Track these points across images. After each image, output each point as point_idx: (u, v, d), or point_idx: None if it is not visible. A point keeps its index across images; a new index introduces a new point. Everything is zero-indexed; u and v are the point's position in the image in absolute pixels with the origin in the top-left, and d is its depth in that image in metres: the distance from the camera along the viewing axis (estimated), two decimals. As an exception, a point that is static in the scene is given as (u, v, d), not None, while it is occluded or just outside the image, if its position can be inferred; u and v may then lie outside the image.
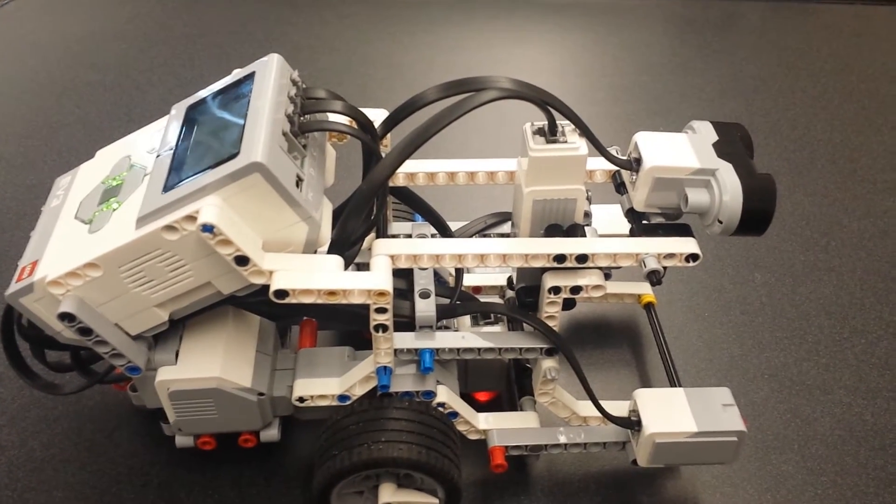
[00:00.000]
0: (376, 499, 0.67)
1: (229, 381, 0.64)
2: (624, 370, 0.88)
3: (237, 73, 0.64)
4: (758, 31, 1.59)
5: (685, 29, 1.60)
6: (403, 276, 0.69)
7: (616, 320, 0.94)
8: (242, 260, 0.55)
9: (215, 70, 1.42)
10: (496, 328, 0.73)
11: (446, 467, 0.65)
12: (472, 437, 0.73)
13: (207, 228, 0.53)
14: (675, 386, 0.75)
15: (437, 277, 0.71)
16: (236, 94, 0.61)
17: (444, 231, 0.76)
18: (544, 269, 0.65)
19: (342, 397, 0.68)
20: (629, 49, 1.52)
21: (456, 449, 0.68)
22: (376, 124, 0.66)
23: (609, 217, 0.76)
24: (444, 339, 0.67)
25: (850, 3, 1.69)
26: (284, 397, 0.69)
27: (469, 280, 0.84)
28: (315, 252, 0.60)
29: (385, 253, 0.61)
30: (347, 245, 0.62)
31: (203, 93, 0.65)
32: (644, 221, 0.66)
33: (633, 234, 0.66)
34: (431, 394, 0.68)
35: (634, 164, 0.64)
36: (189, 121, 0.63)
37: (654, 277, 0.61)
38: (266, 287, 0.57)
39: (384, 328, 0.62)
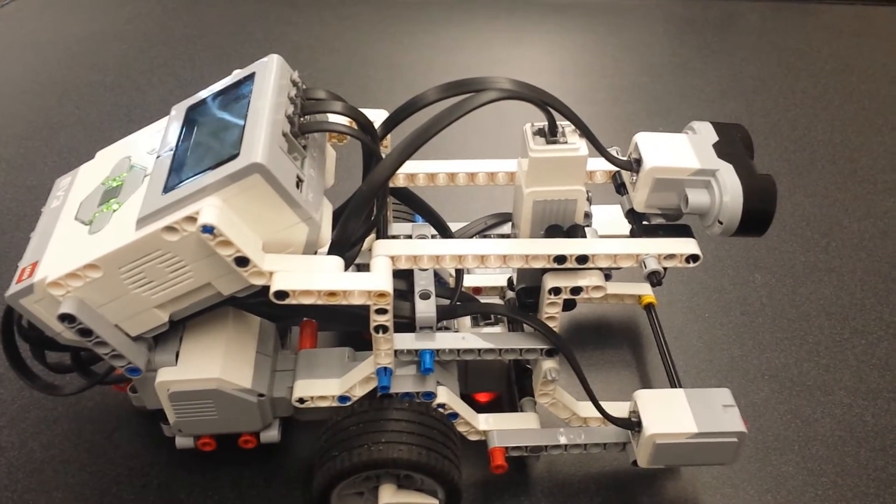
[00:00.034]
0: (376, 500, 0.67)
1: (229, 382, 0.64)
2: (624, 371, 0.88)
3: (237, 74, 0.64)
4: (758, 31, 1.59)
5: (685, 29, 1.60)
6: (404, 277, 0.69)
7: (616, 321, 0.94)
8: (242, 261, 0.55)
9: (215, 71, 1.42)
10: (496, 329, 0.73)
11: (446, 468, 0.65)
12: (473, 437, 0.73)
13: (207, 229, 0.53)
14: (676, 387, 0.75)
15: (438, 278, 0.71)
16: (236, 95, 0.61)
17: (445, 232, 0.76)
18: (544, 270, 0.65)
19: (342, 398, 0.68)
20: (629, 49, 1.52)
21: (456, 450, 0.68)
22: (376, 125, 0.66)
23: (609, 218, 0.76)
24: (444, 340, 0.67)
25: (850, 3, 1.69)
26: (284, 398, 0.69)
27: (469, 281, 0.84)
28: (315, 253, 0.60)
29: (385, 254, 0.61)
30: (347, 246, 0.62)
31: (203, 93, 0.65)
32: (644, 222, 0.66)
33: (633, 234, 0.66)
34: (432, 395, 0.68)
35: (634, 165, 0.64)
36: (189, 121, 0.63)
37: (655, 278, 0.61)
38: (266, 288, 0.57)
39: (384, 329, 0.62)
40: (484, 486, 0.76)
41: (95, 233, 0.59)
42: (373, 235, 0.72)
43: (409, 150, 0.59)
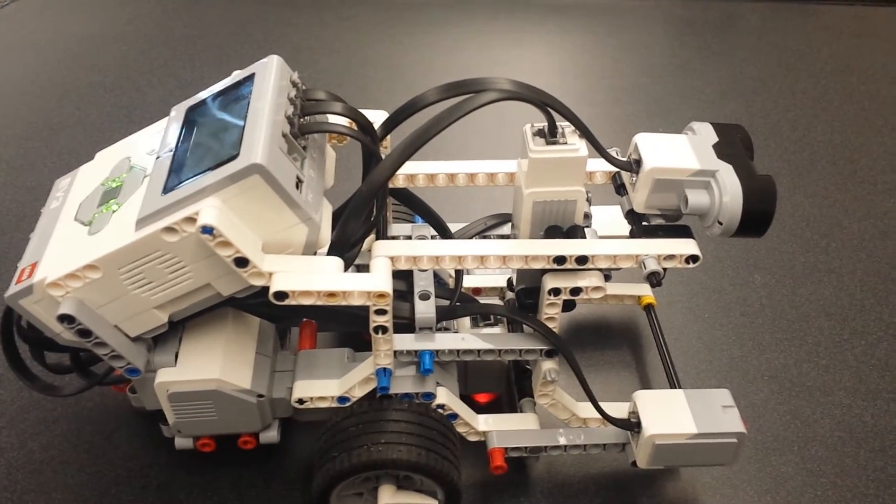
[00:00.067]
0: (376, 500, 0.67)
1: (229, 383, 0.64)
2: (624, 372, 0.88)
3: (237, 75, 0.64)
4: (757, 32, 1.59)
5: (685, 30, 1.60)
6: (403, 278, 0.69)
7: (616, 322, 0.94)
8: (242, 261, 0.55)
9: (215, 72, 1.42)
10: (496, 330, 0.73)
11: (446, 469, 0.65)
12: (472, 438, 0.73)
13: (207, 230, 0.53)
14: (675, 387, 0.75)
15: (437, 279, 0.71)
16: (236, 96, 0.61)
17: (444, 232, 0.76)
18: (544, 271, 0.65)
19: (342, 399, 0.68)
20: (629, 50, 1.52)
21: (455, 451, 0.68)
22: (376, 126, 0.66)
23: (609, 218, 0.76)
24: (443, 341, 0.67)
25: (850, 4, 1.69)
26: (284, 399, 0.69)
27: (469, 281, 0.84)
28: (315, 254, 0.60)
29: (385, 254, 0.61)
30: (347, 247, 0.62)
31: (203, 94, 0.65)
32: (644, 223, 0.66)
33: (633, 235, 0.66)
34: (431, 395, 0.68)
35: (634, 166, 0.64)
36: (189, 122, 0.63)
37: (654, 279, 0.61)
38: (266, 289, 0.57)
39: (384, 330, 0.62)
40: (483, 487, 0.76)
41: (95, 233, 0.59)
42: (372, 236, 0.72)
43: (409, 150, 0.59)
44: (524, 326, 0.69)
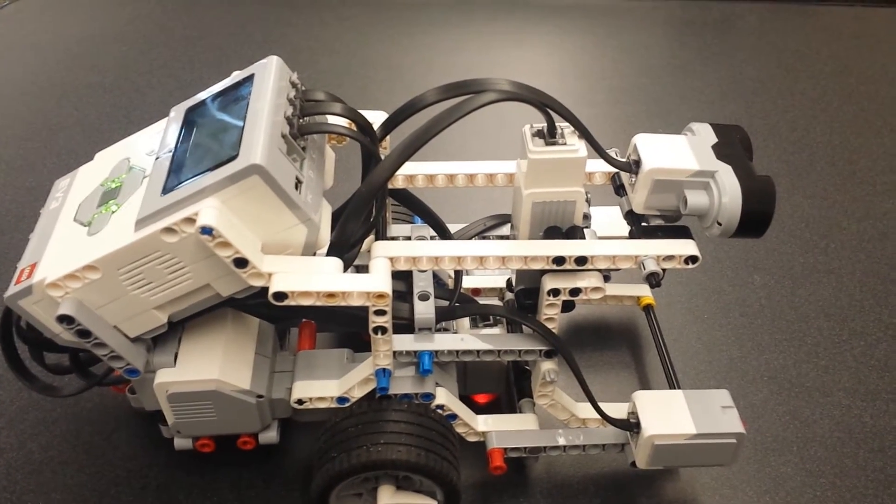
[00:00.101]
0: (375, 501, 0.67)
1: (228, 384, 0.64)
2: (623, 372, 0.88)
3: (236, 76, 0.64)
4: (757, 32, 1.59)
5: (684, 31, 1.60)
6: (402, 279, 0.69)
7: (615, 322, 0.94)
8: (241, 262, 0.55)
9: (215, 72, 1.42)
10: (495, 330, 0.73)
11: (445, 469, 0.65)
12: (471, 439, 0.73)
13: (206, 231, 0.53)
14: (674, 388, 0.75)
15: (437, 279, 0.71)
16: (235, 97, 0.61)
17: (444, 233, 0.76)
18: (543, 272, 0.65)
19: (341, 399, 0.68)
20: (628, 51, 1.52)
21: (455, 451, 0.68)
22: (375, 126, 0.66)
23: (608, 219, 0.76)
24: (443, 342, 0.67)
25: (849, 4, 1.69)
26: (283, 399, 0.69)
27: (468, 282, 0.84)
28: (314, 254, 0.60)
29: (384, 255, 0.61)
30: (347, 247, 0.62)
31: (202, 95, 0.65)
32: (643, 223, 0.66)
33: (632, 236, 0.66)
34: (430, 396, 0.68)
35: (634, 167, 0.64)
36: (188, 123, 0.63)
37: (654, 279, 0.61)
38: (265, 289, 0.57)
39: (383, 330, 0.62)
40: (483, 487, 0.76)
41: (94, 234, 0.59)
42: (372, 237, 0.72)
43: (409, 151, 0.59)
44: (523, 327, 0.69)
